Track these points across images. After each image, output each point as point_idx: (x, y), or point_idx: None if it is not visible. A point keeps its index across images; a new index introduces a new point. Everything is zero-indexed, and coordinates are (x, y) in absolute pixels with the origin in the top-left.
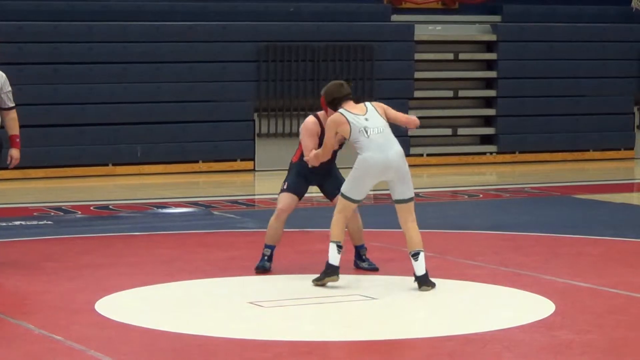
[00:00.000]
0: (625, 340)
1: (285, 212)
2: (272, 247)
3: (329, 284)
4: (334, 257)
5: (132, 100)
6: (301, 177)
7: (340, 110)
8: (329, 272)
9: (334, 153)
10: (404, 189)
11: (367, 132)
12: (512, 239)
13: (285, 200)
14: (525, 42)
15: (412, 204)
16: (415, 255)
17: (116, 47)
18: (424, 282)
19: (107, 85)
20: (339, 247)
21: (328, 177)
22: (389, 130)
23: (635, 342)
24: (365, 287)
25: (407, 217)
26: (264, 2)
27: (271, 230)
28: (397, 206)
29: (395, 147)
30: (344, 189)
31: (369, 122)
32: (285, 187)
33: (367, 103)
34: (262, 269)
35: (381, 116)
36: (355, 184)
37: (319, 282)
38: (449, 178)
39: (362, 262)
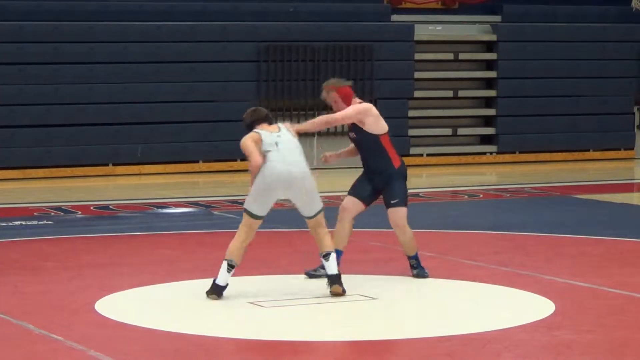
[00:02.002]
0: (625, 341)
1: (344, 211)
2: (337, 252)
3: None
4: None
5: (132, 100)
6: (364, 181)
7: (256, 130)
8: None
9: (365, 153)
10: (310, 207)
11: (277, 145)
12: (512, 239)
13: (344, 201)
14: (525, 42)
15: (320, 216)
16: (326, 256)
17: (116, 47)
18: (335, 281)
19: (107, 85)
20: (230, 266)
21: (387, 184)
22: (299, 150)
23: (635, 342)
24: (365, 287)
25: (316, 228)
26: (264, 2)
27: (334, 234)
28: (307, 221)
29: (300, 165)
30: (246, 202)
31: (280, 138)
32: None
33: (280, 125)
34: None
35: (294, 136)
36: (258, 195)
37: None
38: (449, 178)
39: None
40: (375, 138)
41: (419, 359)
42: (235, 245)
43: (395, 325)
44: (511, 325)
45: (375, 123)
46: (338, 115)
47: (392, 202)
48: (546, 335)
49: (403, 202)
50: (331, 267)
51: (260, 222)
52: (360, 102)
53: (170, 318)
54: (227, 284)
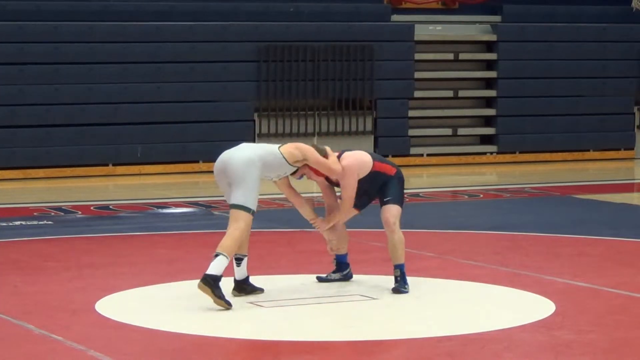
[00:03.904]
0: (625, 341)
1: None
2: (339, 256)
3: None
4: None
5: (132, 100)
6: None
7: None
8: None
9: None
10: (234, 193)
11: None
12: (512, 239)
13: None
14: (525, 42)
15: (238, 212)
16: (215, 256)
17: (116, 47)
18: (203, 279)
19: (107, 85)
20: (236, 259)
21: (383, 186)
22: (260, 146)
23: (635, 342)
24: (365, 287)
25: (231, 222)
26: (264, 2)
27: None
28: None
29: (239, 152)
30: None
31: None
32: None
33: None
34: None
35: (281, 152)
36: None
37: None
38: (449, 178)
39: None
40: (369, 173)
41: (419, 359)
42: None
43: (395, 325)
44: (511, 325)
45: (365, 165)
46: (350, 192)
47: (385, 199)
48: (546, 335)
49: (396, 201)
50: (210, 267)
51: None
52: (338, 156)
53: (170, 318)
54: (247, 277)
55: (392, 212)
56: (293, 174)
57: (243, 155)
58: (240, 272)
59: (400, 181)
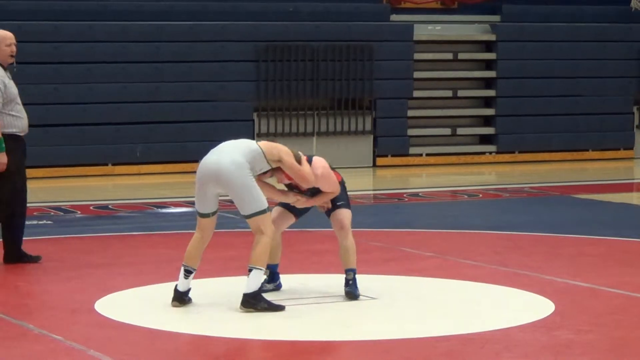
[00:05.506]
0: (625, 340)
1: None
2: (272, 267)
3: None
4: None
5: (132, 100)
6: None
7: None
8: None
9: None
10: (241, 205)
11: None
12: (512, 239)
13: (272, 214)
14: (525, 42)
15: (256, 219)
16: (249, 271)
17: (116, 47)
18: (243, 302)
19: (107, 85)
20: (187, 271)
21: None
22: (240, 144)
23: (635, 342)
24: (365, 287)
25: (255, 232)
26: (264, 2)
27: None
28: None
29: (226, 156)
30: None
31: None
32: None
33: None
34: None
35: (259, 146)
36: (196, 191)
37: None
38: (449, 178)
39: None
40: None
41: (419, 359)
42: (187, 249)
43: (395, 325)
44: (511, 325)
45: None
46: (332, 190)
47: (338, 203)
48: (546, 335)
49: (348, 205)
50: (247, 284)
51: (208, 220)
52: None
53: (170, 318)
54: (189, 289)
55: (346, 215)
56: (264, 173)
57: (233, 160)
58: (185, 284)
59: (345, 187)
